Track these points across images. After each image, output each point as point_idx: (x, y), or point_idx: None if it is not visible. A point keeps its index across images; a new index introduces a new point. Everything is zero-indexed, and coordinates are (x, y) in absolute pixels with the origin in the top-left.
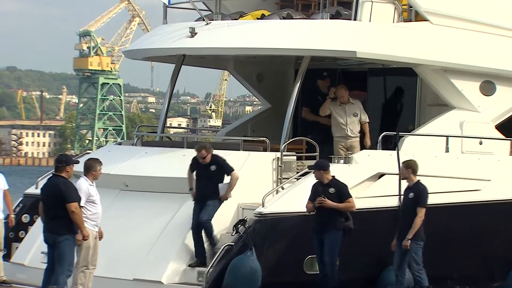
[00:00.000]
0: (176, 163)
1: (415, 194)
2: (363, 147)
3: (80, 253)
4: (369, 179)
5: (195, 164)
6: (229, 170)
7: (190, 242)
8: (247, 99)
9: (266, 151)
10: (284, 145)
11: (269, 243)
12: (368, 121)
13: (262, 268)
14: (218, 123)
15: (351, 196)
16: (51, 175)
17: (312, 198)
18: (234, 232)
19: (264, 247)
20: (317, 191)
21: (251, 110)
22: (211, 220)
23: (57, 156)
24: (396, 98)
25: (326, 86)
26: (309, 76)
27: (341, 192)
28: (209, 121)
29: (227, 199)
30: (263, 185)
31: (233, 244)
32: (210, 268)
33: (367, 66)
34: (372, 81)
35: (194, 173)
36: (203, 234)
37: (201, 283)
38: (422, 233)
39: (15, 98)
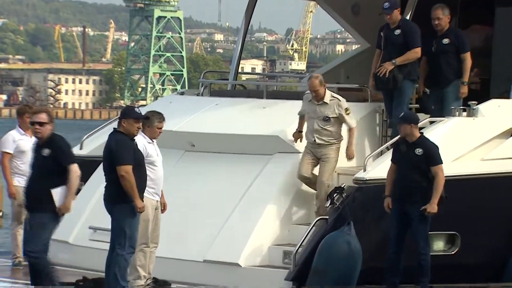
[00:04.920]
0: (255, 118)
1: None
2: None
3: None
4: (499, 136)
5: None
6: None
7: (273, 215)
8: (338, 36)
9: (367, 101)
10: None
11: (373, 216)
12: (355, 126)
13: (363, 249)
14: (302, 66)
15: (442, 162)
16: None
17: (395, 161)
18: (329, 202)
19: (366, 221)
20: (400, 151)
21: (343, 50)
22: None
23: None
24: None
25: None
26: (422, 8)
27: (431, 155)
28: (290, 64)
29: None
30: (364, 144)
31: (327, 217)
32: (299, 247)
33: None
34: (501, 12)
35: None
36: None
37: (288, 266)
38: None
39: (51, 36)
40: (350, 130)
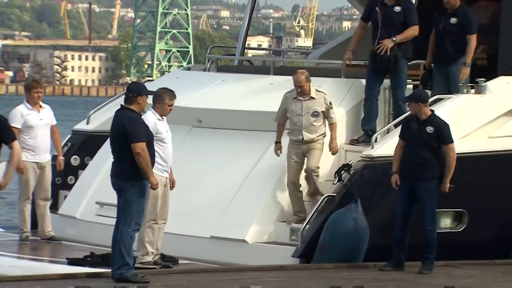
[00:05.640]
0: (262, 94)
1: None
2: None
3: (147, 204)
4: (507, 113)
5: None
6: None
7: (280, 191)
8: (345, 13)
9: None
10: None
11: (380, 194)
12: (336, 121)
13: (370, 226)
14: (308, 43)
15: (453, 141)
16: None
17: (404, 137)
18: (336, 180)
19: (373, 199)
20: (410, 128)
21: (349, 27)
22: None
23: (128, 84)
24: None
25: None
26: None
27: (443, 133)
28: (297, 41)
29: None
30: None
31: (334, 194)
32: (307, 224)
33: None
34: None
35: None
36: None
37: (295, 243)
38: None
39: (58, 12)
40: (331, 124)
